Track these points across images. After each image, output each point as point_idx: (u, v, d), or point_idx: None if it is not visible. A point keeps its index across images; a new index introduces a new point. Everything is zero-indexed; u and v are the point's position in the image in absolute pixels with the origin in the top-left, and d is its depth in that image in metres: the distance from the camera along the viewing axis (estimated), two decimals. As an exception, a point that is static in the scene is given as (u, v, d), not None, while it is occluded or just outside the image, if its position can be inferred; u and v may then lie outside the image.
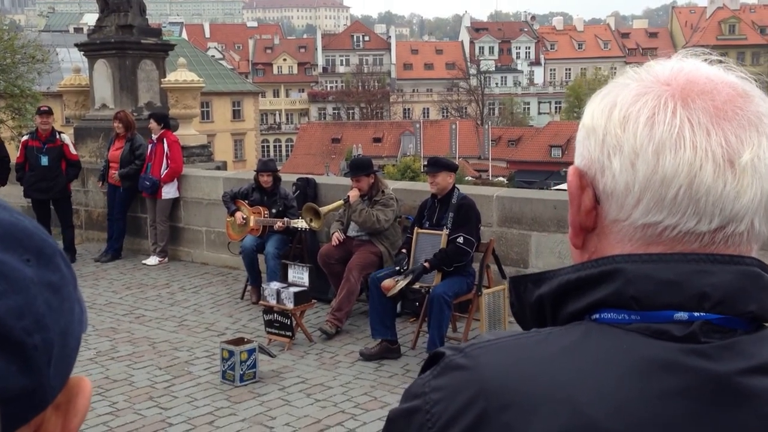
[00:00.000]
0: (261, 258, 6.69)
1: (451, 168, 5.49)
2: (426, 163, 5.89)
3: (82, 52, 10.05)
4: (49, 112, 8.31)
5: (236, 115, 45.97)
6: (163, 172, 8.12)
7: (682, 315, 0.65)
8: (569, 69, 71.06)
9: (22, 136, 9.66)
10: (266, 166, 6.88)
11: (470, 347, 0.70)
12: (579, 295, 0.69)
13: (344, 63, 71.14)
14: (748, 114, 0.68)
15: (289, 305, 5.51)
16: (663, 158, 0.66)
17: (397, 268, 5.31)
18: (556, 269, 0.72)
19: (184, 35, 63.38)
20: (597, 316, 0.68)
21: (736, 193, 0.66)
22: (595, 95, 0.75)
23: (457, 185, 5.49)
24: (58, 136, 8.24)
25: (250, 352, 4.90)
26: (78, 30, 48.29)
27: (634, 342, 0.65)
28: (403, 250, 5.43)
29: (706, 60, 0.72)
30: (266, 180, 6.73)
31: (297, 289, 5.58)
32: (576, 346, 0.66)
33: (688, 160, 0.66)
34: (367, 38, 73.39)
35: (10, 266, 0.46)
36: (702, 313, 0.65)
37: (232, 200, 6.89)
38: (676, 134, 0.66)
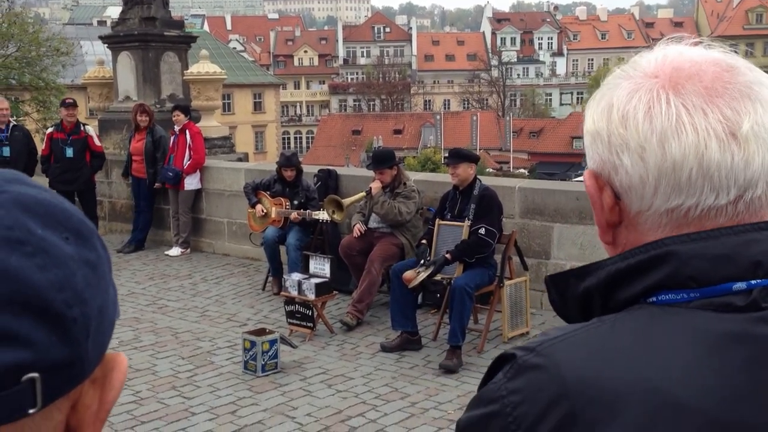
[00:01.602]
0: (282, 249, 6.71)
1: (472, 159, 5.45)
2: (447, 154, 5.86)
3: (106, 45, 10.14)
4: (74, 105, 8.40)
5: (257, 107, 46.13)
6: (186, 163, 8.18)
7: (740, 285, 0.67)
8: (592, 59, 70.30)
9: (47, 128, 9.79)
10: (289, 162, 6.81)
11: (541, 345, 0.70)
12: (631, 282, 0.71)
13: (365, 54, 71.01)
14: (737, 86, 0.71)
15: (311, 296, 5.53)
16: (669, 146, 0.69)
17: (421, 261, 5.30)
18: (597, 261, 0.73)
19: (206, 27, 63.67)
20: (654, 298, 0.70)
21: (745, 162, 0.69)
22: (591, 100, 0.78)
23: (478, 176, 5.46)
24: (82, 128, 8.33)
25: (272, 342, 4.92)
26: (101, 23, 48.73)
27: (701, 319, 0.67)
28: (424, 242, 5.41)
29: (686, 43, 0.75)
30: (289, 175, 6.73)
31: (318, 281, 5.59)
32: (646, 331, 0.67)
33: (692, 142, 0.69)
34: (388, 29, 73.15)
35: (50, 242, 0.48)
36: (758, 280, 0.67)
37: (253, 191, 6.91)
38: (675, 121, 0.69)
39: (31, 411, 0.46)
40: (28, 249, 0.47)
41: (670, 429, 0.62)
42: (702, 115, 0.69)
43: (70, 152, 8.22)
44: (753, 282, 0.67)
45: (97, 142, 8.46)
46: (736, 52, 0.74)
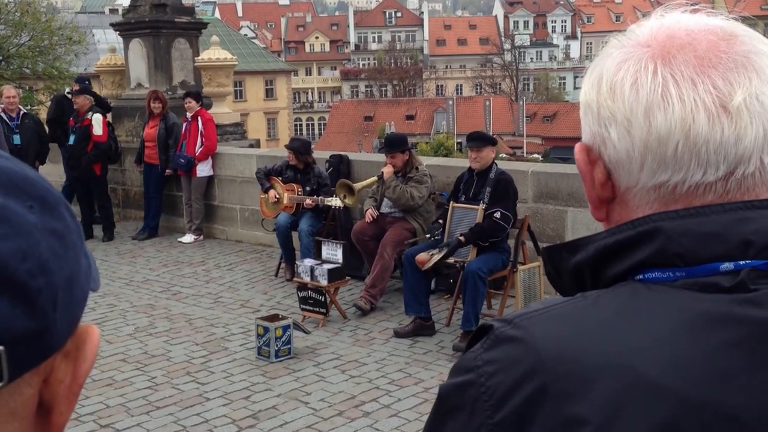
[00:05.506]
0: (295, 235, 6.71)
1: (494, 142, 5.53)
2: (468, 137, 5.83)
3: (118, 32, 10.13)
4: (78, 92, 8.35)
5: (269, 93, 46.14)
6: (198, 150, 8.18)
7: (728, 265, 0.64)
8: (607, 42, 69.54)
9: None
10: (289, 144, 6.88)
11: (519, 318, 0.68)
12: (619, 258, 0.68)
13: (376, 40, 70.72)
14: (733, 56, 0.67)
15: (323, 282, 5.52)
16: (654, 119, 0.66)
17: (428, 236, 5.29)
18: (589, 235, 0.71)
19: (217, 14, 63.56)
20: (641, 276, 0.67)
21: (736, 136, 0.65)
22: (586, 70, 0.75)
23: (495, 161, 5.45)
24: (87, 115, 8.24)
25: (285, 328, 4.93)
26: (113, 11, 48.80)
27: (684, 298, 0.64)
28: (440, 221, 5.40)
29: (684, 10, 0.71)
30: (290, 157, 6.73)
31: (331, 266, 5.59)
32: (626, 308, 0.65)
33: (678, 114, 0.66)
34: (399, 14, 72.75)
35: (11, 210, 0.46)
36: (747, 261, 0.64)
37: (266, 177, 6.90)
38: (661, 92, 0.66)
39: None
40: None
41: (640, 407, 0.60)
42: (691, 86, 0.66)
43: (71, 139, 8.23)
44: (741, 263, 0.63)
45: (96, 130, 8.16)
46: (736, 19, 0.71)
